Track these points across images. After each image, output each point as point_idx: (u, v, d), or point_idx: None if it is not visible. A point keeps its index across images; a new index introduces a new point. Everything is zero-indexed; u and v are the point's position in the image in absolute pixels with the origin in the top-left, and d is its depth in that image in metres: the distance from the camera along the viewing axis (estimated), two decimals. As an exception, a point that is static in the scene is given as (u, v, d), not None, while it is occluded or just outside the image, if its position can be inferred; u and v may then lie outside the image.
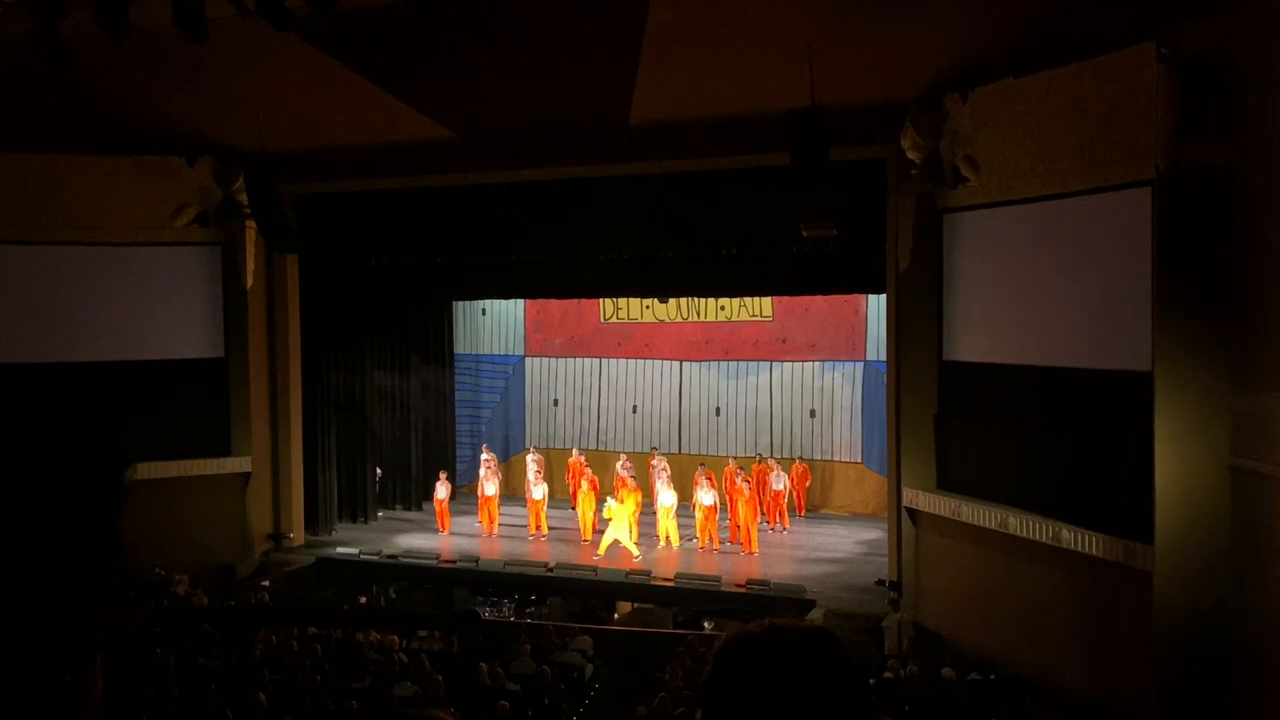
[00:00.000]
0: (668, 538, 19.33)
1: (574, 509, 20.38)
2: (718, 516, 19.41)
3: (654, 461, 20.89)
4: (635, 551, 18.66)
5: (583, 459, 21.90)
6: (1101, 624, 12.67)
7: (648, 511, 19.91)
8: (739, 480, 19.34)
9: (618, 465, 21.01)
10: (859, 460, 22.11)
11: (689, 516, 19.68)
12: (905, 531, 15.71)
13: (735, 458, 21.21)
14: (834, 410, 22.32)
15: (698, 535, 19.24)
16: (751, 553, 18.78)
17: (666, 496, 19.47)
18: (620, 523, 18.66)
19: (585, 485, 20.24)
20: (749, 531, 18.95)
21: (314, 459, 20.56)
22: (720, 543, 19.21)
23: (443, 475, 21.22)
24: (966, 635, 14.44)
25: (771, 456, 21.68)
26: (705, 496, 19.18)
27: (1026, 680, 13.03)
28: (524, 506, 20.93)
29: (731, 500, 19.50)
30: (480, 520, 20.86)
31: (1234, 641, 11.16)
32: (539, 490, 20.41)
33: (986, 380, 14.44)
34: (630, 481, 19.64)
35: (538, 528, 20.32)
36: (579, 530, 20.03)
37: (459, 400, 24.70)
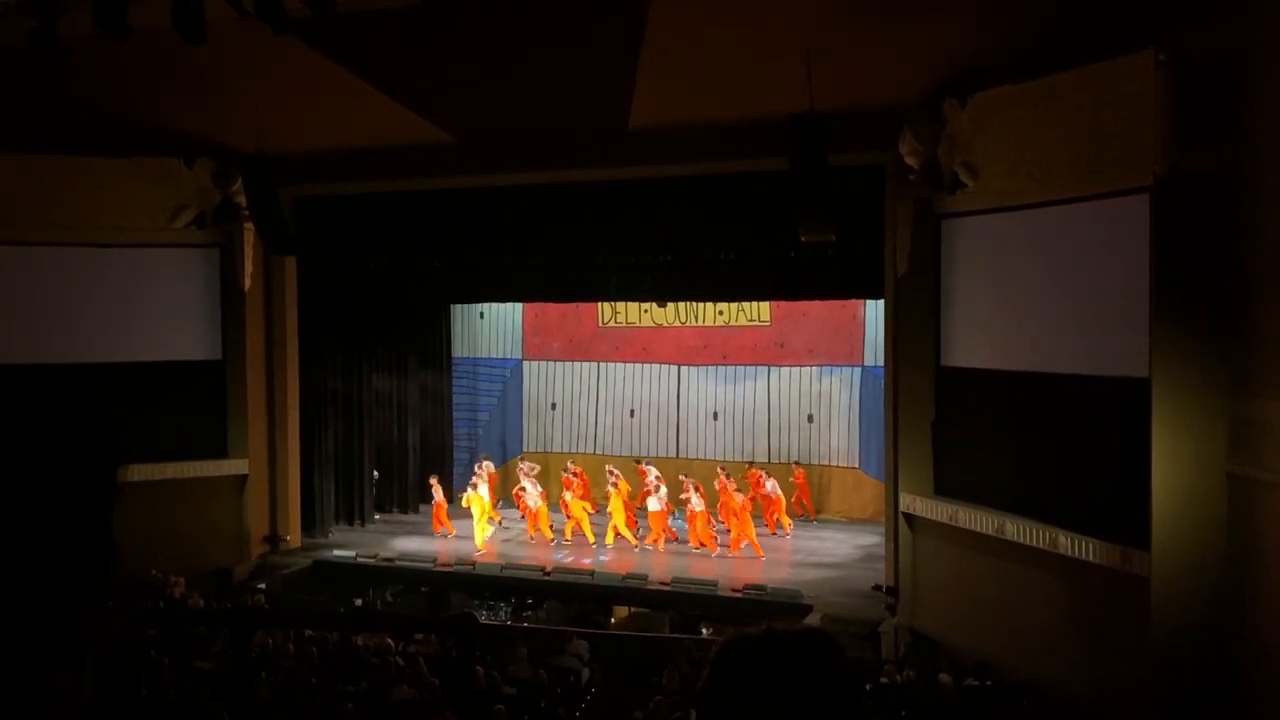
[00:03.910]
0: (657, 541, 19.50)
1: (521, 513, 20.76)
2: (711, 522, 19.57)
3: (644, 468, 20.93)
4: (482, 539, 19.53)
5: (525, 468, 21.94)
6: (1098, 629, 12.67)
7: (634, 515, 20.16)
8: (731, 488, 19.52)
9: (563, 469, 21.45)
10: (856, 465, 22.11)
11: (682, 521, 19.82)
12: (902, 537, 15.70)
13: (724, 465, 21.35)
14: (832, 415, 22.31)
15: (690, 539, 19.42)
16: (735, 555, 18.90)
17: (656, 502, 19.60)
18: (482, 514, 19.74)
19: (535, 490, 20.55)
20: (741, 536, 19.06)
21: (311, 461, 20.54)
22: (711, 546, 19.25)
23: (434, 480, 21.21)
24: (963, 640, 14.43)
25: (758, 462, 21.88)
26: (694, 503, 19.28)
27: (1023, 686, 13.03)
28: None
29: (724, 506, 19.65)
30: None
31: (1230, 647, 11.16)
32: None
33: (984, 386, 14.44)
34: (576, 484, 20.20)
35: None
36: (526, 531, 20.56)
37: (456, 403, 24.69)
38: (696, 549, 19.23)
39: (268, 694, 11.09)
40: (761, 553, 18.89)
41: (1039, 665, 13.21)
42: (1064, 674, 12.89)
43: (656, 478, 20.09)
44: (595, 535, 19.89)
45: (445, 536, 20.66)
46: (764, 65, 14.39)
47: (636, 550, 19.49)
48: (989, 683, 13.13)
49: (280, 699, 11.24)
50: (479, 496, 20.03)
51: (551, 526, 20.44)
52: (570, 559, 19.11)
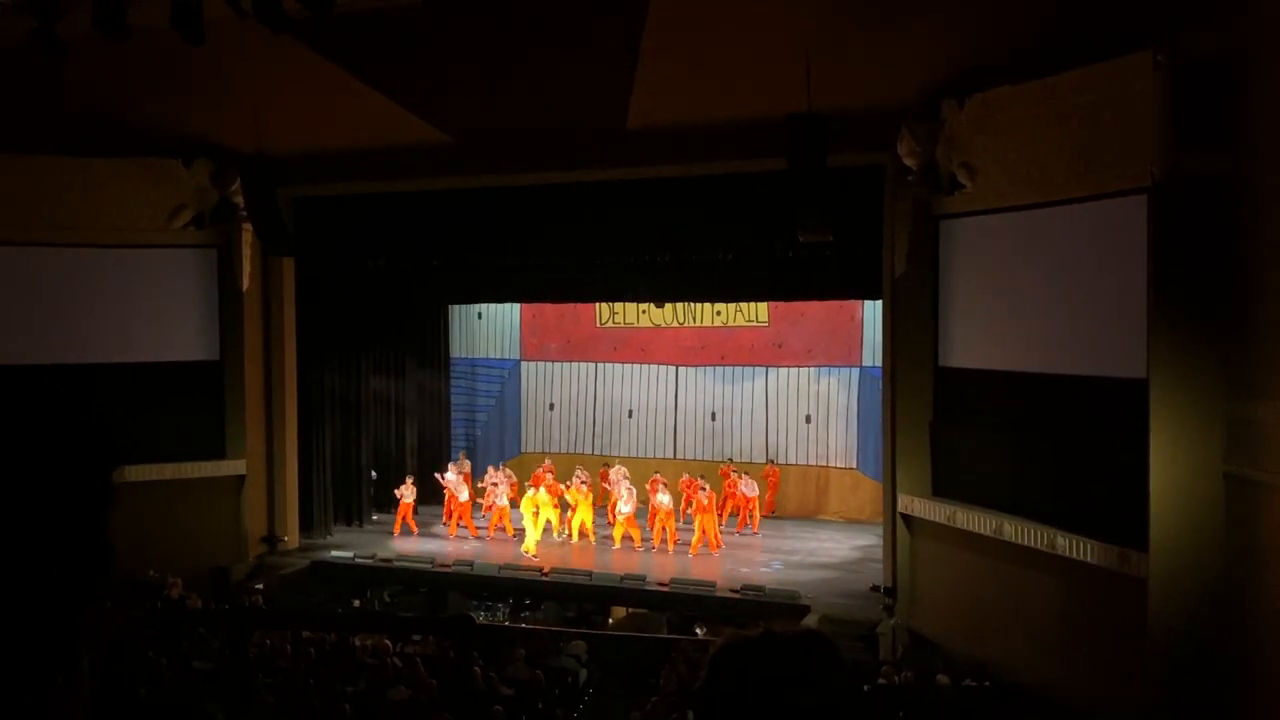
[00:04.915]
0: (624, 538, 19.60)
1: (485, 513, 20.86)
2: (675, 519, 19.71)
3: (613, 471, 21.00)
4: (532, 550, 19.08)
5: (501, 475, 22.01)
6: (1096, 630, 12.68)
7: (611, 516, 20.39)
8: (700, 488, 19.59)
9: (539, 467, 21.62)
10: (854, 466, 22.12)
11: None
12: (900, 537, 15.71)
13: (690, 464, 21.50)
14: (829, 416, 22.33)
15: (653, 537, 19.45)
16: (714, 552, 19.03)
17: (625, 504, 19.68)
18: (530, 520, 19.26)
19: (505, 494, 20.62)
20: (711, 535, 19.15)
21: (309, 462, 20.53)
22: (675, 543, 19.32)
23: (409, 480, 21.19)
24: (961, 641, 14.43)
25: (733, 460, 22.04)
26: (662, 499, 19.35)
27: (1021, 687, 13.03)
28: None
29: (687, 504, 19.73)
30: (445, 524, 21.07)
31: (1228, 648, 11.16)
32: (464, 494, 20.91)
33: (982, 386, 14.45)
34: (549, 479, 20.39)
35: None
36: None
37: (454, 404, 24.70)
38: (656, 547, 19.26)
39: (271, 699, 11.08)
40: (715, 550, 18.99)
41: (1037, 666, 13.22)
42: (1062, 674, 12.90)
43: (627, 484, 20.09)
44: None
45: (407, 535, 20.62)
46: (763, 65, 14.39)
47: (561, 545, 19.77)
48: (987, 684, 13.13)
49: (277, 700, 11.24)
50: (533, 500, 19.62)
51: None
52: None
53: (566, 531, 20.07)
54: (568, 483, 20.49)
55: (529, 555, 18.97)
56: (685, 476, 20.87)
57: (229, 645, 12.43)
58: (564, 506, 20.23)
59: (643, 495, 20.15)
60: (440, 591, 18.89)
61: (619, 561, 18.79)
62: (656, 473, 20.76)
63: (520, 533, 20.06)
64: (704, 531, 19.16)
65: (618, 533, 19.70)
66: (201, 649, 13.03)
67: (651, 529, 19.53)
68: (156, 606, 15.29)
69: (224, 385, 19.16)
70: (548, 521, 19.91)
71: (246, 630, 12.75)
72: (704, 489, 19.53)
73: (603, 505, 20.82)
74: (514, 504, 20.80)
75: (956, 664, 13.75)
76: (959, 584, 14.85)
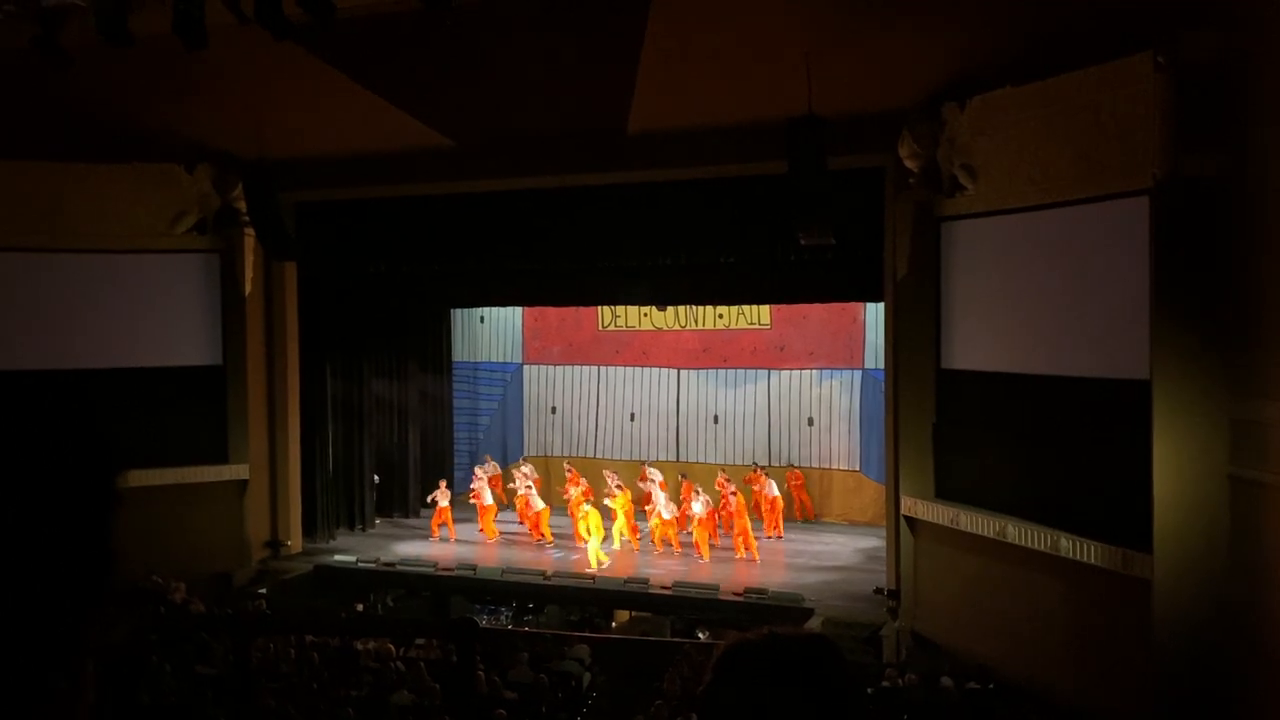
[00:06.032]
0: (664, 543, 19.44)
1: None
2: (715, 526, 19.56)
3: (649, 474, 20.94)
4: (605, 559, 18.69)
5: (527, 470, 21.97)
6: (1100, 633, 12.66)
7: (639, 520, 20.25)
8: (729, 490, 19.49)
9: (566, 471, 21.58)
10: (857, 468, 22.10)
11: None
12: (904, 540, 15.69)
13: (723, 468, 21.37)
14: (832, 418, 22.32)
15: (695, 546, 19.29)
16: (755, 559, 18.82)
17: (666, 508, 19.55)
18: (595, 532, 18.87)
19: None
20: (748, 538, 19.02)
21: (312, 466, 20.54)
22: (711, 549, 19.21)
23: (442, 484, 21.22)
24: (965, 644, 14.42)
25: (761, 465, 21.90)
26: (696, 507, 19.24)
27: (1025, 689, 13.02)
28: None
29: (724, 509, 19.63)
30: (481, 528, 21.04)
31: (1233, 650, 11.15)
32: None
33: (985, 389, 14.44)
34: (583, 485, 20.27)
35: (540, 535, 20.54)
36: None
37: (457, 408, 24.70)
38: (697, 556, 19.18)
39: (272, 702, 11.08)
40: (757, 555, 18.87)
41: (1041, 668, 13.20)
42: (1066, 677, 12.88)
43: (660, 487, 20.05)
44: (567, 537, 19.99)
45: (445, 540, 20.64)
46: (762, 68, 14.40)
47: (636, 553, 19.51)
48: (991, 686, 13.12)
49: (281, 705, 11.23)
50: (595, 511, 19.28)
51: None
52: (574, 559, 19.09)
53: (622, 538, 19.87)
54: (605, 489, 20.36)
55: (604, 565, 18.61)
56: (720, 476, 20.78)
57: (232, 650, 12.43)
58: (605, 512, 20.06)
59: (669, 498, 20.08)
60: (443, 595, 18.89)
61: (663, 567, 18.65)
62: (684, 475, 20.67)
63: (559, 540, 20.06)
64: (744, 534, 19.03)
65: (657, 536, 19.55)
66: (204, 654, 13.04)
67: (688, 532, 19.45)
68: (159, 612, 15.29)
69: (226, 390, 19.17)
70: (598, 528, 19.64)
71: (249, 635, 12.75)
72: (734, 494, 19.48)
73: (641, 509, 20.70)
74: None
75: (960, 666, 13.75)
76: (962, 586, 14.83)
